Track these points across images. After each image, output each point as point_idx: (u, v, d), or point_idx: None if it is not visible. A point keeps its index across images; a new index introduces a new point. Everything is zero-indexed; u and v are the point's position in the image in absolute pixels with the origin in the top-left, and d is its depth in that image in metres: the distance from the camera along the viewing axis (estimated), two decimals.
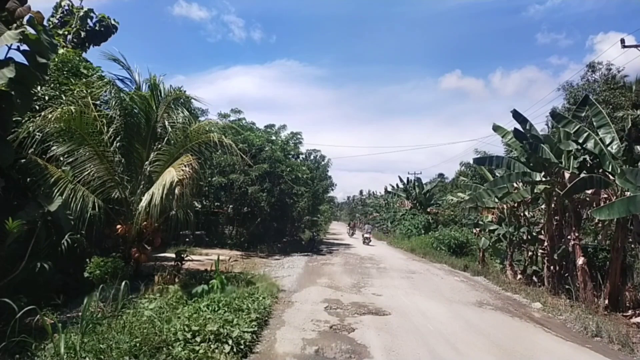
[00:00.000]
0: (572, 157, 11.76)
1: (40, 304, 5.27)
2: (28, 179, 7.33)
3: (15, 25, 4.98)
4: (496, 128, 13.88)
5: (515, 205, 14.73)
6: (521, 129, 12.21)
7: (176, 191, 8.11)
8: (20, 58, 5.31)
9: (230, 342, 5.54)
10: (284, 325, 7.29)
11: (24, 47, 5.26)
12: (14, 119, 6.43)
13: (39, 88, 8.20)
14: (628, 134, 10.00)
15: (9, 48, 4.98)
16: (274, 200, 20.48)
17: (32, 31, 5.11)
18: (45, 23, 5.58)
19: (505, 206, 15.19)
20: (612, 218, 9.23)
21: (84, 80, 9.66)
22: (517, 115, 12.26)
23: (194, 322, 5.83)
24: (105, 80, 9.70)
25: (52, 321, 5.13)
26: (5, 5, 4.99)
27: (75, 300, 6.83)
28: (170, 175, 7.86)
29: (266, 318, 7.46)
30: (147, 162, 9.41)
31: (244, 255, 17.74)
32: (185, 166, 8.17)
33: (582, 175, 10.64)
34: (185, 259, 10.86)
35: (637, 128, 10.04)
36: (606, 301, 9.78)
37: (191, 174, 8.23)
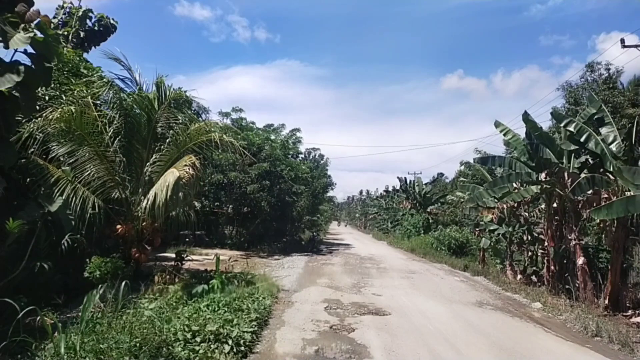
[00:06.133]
0: (573, 156, 11.77)
1: (41, 304, 5.27)
2: (28, 179, 7.33)
3: (22, 27, 4.97)
4: (497, 125, 13.81)
5: (515, 205, 14.73)
6: (530, 131, 12.19)
7: (180, 194, 8.10)
8: (22, 58, 5.31)
9: (230, 342, 5.55)
10: (284, 325, 7.30)
11: (29, 49, 5.24)
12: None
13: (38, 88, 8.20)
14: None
15: (15, 50, 4.98)
16: (274, 200, 20.47)
17: (39, 34, 5.12)
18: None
19: (505, 206, 15.19)
20: (610, 218, 9.24)
21: (84, 80, 9.66)
22: (526, 116, 12.21)
23: (194, 322, 5.83)
24: (105, 80, 9.69)
25: (52, 321, 5.13)
26: (13, 8, 4.99)
27: (75, 300, 6.83)
28: (173, 176, 7.85)
29: (266, 318, 7.46)
30: (148, 163, 9.41)
31: (244, 255, 17.73)
32: (187, 167, 8.16)
33: (584, 175, 10.64)
34: (186, 259, 10.86)
35: None
36: (606, 301, 9.77)
37: (193, 175, 8.23)
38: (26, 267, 6.06)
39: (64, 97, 8.58)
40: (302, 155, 27.16)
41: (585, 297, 10.26)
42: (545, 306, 10.06)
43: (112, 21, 17.61)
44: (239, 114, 22.54)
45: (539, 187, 12.02)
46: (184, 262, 10.73)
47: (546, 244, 12.55)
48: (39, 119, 7.46)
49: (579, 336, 7.78)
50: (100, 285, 6.27)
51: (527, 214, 14.97)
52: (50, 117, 7.48)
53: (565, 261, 11.71)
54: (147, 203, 8.14)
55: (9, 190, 6.43)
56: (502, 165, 13.57)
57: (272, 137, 22.71)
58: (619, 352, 6.93)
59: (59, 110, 7.70)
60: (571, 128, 10.84)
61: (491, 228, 16.26)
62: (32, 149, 7.31)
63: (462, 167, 28.40)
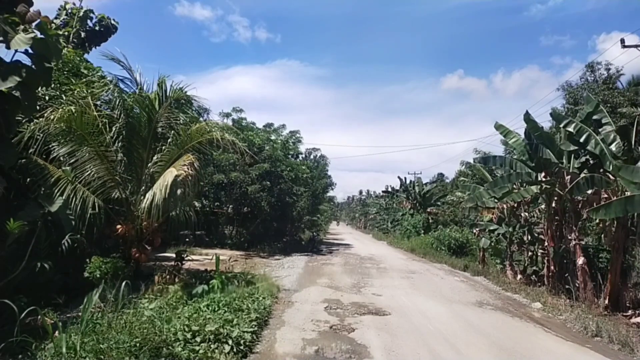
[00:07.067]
0: (573, 157, 11.77)
1: (41, 304, 5.28)
2: (28, 179, 7.33)
3: (22, 28, 4.98)
4: (498, 127, 13.80)
5: (515, 205, 14.73)
6: (530, 131, 12.18)
7: (178, 191, 8.09)
8: (22, 58, 5.32)
9: (230, 342, 5.55)
10: (284, 325, 7.30)
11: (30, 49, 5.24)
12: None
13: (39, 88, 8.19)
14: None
15: (16, 51, 5.00)
16: (274, 200, 20.48)
17: (40, 35, 5.13)
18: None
19: (505, 206, 15.19)
20: (608, 218, 9.24)
21: (85, 80, 9.66)
22: (527, 116, 12.20)
23: (194, 322, 5.83)
24: (108, 79, 9.70)
25: (53, 321, 5.14)
26: (13, 8, 5.00)
27: (75, 300, 6.83)
28: (172, 174, 7.86)
29: (266, 318, 7.47)
30: (149, 163, 9.41)
31: (244, 255, 17.74)
32: (186, 165, 8.17)
33: (583, 175, 10.64)
34: (186, 259, 10.86)
35: None
36: (606, 301, 9.77)
37: (193, 173, 8.23)
38: (26, 267, 6.06)
39: (64, 97, 8.58)
40: (303, 156, 27.20)
41: (585, 297, 10.25)
42: (545, 306, 10.06)
43: (112, 21, 17.65)
44: (239, 115, 22.60)
45: (539, 187, 12.02)
46: (184, 262, 10.73)
47: (546, 244, 12.54)
48: (41, 119, 7.46)
49: (579, 336, 7.78)
50: (100, 285, 6.27)
51: (527, 214, 14.97)
52: (52, 117, 7.48)
53: (565, 261, 11.71)
54: (146, 203, 8.15)
55: (9, 190, 6.44)
56: (503, 165, 13.58)
57: (273, 137, 22.75)
58: (619, 352, 6.93)
59: (60, 110, 7.70)
60: (570, 128, 10.84)
61: (491, 228, 16.26)
62: (33, 149, 7.31)
63: (463, 167, 28.28)
